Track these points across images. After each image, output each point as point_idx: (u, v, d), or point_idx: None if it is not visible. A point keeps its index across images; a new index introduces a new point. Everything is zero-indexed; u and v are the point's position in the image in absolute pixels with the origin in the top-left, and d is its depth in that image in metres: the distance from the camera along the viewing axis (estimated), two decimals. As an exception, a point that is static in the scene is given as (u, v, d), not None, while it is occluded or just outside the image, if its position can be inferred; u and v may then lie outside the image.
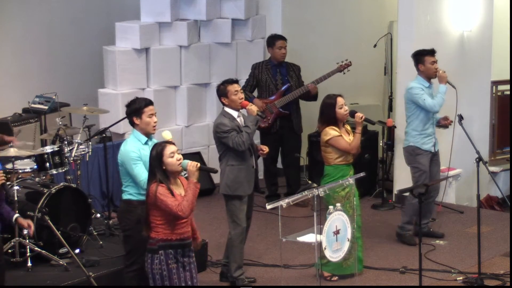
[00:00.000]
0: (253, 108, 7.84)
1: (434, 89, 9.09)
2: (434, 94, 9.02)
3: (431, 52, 9.04)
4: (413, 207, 9.08)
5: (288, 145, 10.59)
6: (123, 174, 7.09)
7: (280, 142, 10.58)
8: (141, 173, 6.90)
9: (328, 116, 8.14)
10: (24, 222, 6.82)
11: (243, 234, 7.99)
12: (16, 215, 6.84)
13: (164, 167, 6.32)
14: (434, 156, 9.16)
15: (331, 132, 8.10)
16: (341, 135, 8.10)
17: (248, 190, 7.95)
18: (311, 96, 10.39)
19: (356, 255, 7.92)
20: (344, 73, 10.43)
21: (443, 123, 9.22)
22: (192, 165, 6.34)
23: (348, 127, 8.32)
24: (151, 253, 6.39)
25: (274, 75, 10.50)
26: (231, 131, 7.73)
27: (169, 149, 6.34)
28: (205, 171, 6.57)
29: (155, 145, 6.46)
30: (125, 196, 7.09)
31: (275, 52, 10.52)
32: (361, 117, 8.14)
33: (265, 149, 8.05)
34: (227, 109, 7.87)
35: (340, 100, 8.12)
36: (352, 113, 8.18)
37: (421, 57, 9.05)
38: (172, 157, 6.32)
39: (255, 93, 10.63)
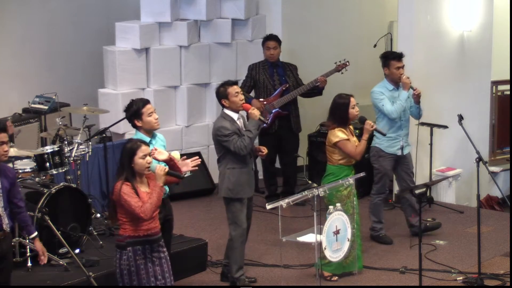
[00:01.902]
0: (255, 112, 7.79)
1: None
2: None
3: (398, 57, 8.97)
4: (377, 207, 9.12)
5: (287, 145, 10.58)
6: None
7: (279, 142, 10.57)
8: None
9: (341, 115, 8.12)
10: (40, 248, 6.68)
11: (243, 236, 7.98)
12: (36, 233, 6.72)
13: (132, 165, 6.35)
14: (401, 159, 9.11)
15: (339, 134, 8.09)
16: (348, 139, 8.09)
17: (249, 193, 7.95)
18: (317, 90, 10.34)
19: (355, 253, 7.93)
20: (342, 73, 10.43)
21: (415, 98, 9.01)
22: (160, 169, 6.41)
23: (351, 127, 8.33)
24: (120, 249, 6.48)
25: (272, 75, 10.49)
26: (232, 134, 7.70)
27: (143, 150, 6.39)
28: (173, 176, 6.59)
29: (132, 140, 6.54)
30: None
31: (264, 52, 10.54)
32: (372, 126, 8.16)
33: (264, 150, 8.04)
34: (227, 111, 7.83)
35: (353, 100, 8.14)
36: (362, 120, 8.18)
37: (386, 60, 9.01)
38: (143, 159, 6.37)
39: (252, 94, 10.62)
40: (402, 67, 8.94)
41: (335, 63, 10.41)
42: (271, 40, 10.50)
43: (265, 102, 10.38)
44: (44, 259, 6.75)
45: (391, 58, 8.97)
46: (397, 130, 9.03)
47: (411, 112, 9.16)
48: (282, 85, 10.44)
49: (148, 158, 6.40)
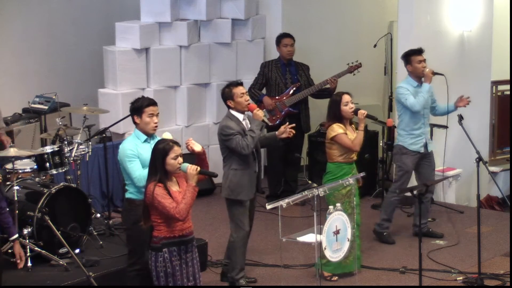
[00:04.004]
0: (260, 113, 7.78)
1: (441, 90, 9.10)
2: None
3: (418, 52, 9.04)
4: (391, 205, 9.13)
5: (294, 144, 10.58)
6: (123, 172, 7.12)
7: (287, 141, 10.57)
8: (135, 170, 6.93)
9: (334, 113, 8.16)
10: (18, 251, 6.76)
11: (245, 238, 7.97)
12: (16, 236, 6.77)
13: (165, 165, 6.36)
14: (424, 157, 9.14)
15: (336, 129, 8.12)
16: (345, 133, 8.12)
17: (250, 195, 7.92)
18: (328, 92, 10.33)
19: (355, 253, 7.93)
20: (354, 74, 10.43)
21: (461, 105, 9.14)
22: (192, 168, 6.38)
23: (353, 126, 8.34)
24: (155, 251, 6.42)
25: (284, 73, 10.50)
26: (235, 134, 7.69)
27: (175, 151, 6.39)
28: (205, 175, 6.59)
29: (163, 141, 6.50)
30: (127, 195, 7.12)
31: (282, 50, 10.52)
32: (364, 114, 8.17)
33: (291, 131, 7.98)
34: (233, 112, 7.82)
35: (345, 98, 8.15)
36: (356, 111, 8.20)
37: (408, 57, 9.07)
38: (175, 159, 6.36)
39: (263, 92, 10.63)
40: (424, 60, 9.01)
41: (348, 64, 10.42)
42: (288, 37, 10.52)
43: (277, 100, 10.40)
44: (20, 264, 6.79)
45: (411, 54, 9.05)
46: (422, 127, 9.06)
47: (442, 110, 9.22)
48: (293, 84, 10.45)
49: (180, 159, 6.39)
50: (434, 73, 8.99)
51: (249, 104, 7.83)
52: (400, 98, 8.99)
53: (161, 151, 6.39)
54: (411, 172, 9.13)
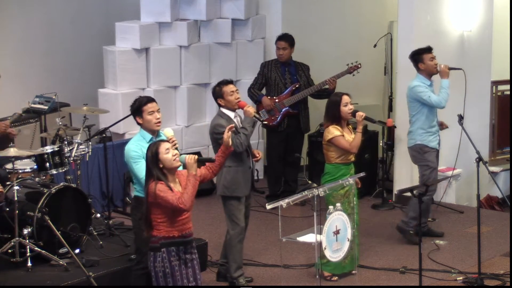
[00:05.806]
0: (250, 109, 7.82)
1: (435, 87, 9.10)
2: (437, 92, 9.03)
3: (429, 50, 9.09)
4: (427, 206, 9.08)
5: (293, 144, 10.59)
6: (131, 172, 7.15)
7: (286, 141, 10.58)
8: (141, 170, 6.93)
9: (333, 113, 8.16)
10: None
11: (242, 234, 7.98)
12: None
13: (161, 165, 6.34)
14: (438, 154, 9.18)
15: (333, 131, 8.12)
16: (342, 135, 8.12)
17: (245, 191, 7.95)
18: (327, 92, 10.32)
19: (354, 253, 7.93)
20: (353, 75, 10.43)
21: (440, 127, 9.27)
22: (189, 157, 6.38)
23: (350, 127, 8.34)
24: (154, 251, 6.41)
25: (283, 73, 10.50)
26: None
27: (164, 146, 6.36)
28: (203, 162, 6.59)
29: (150, 146, 6.47)
30: (135, 193, 7.16)
31: (275, 52, 10.55)
32: (362, 116, 8.17)
33: (259, 155, 8.06)
34: (224, 110, 7.85)
35: (345, 98, 8.16)
36: (354, 113, 8.20)
37: (419, 56, 9.08)
38: (167, 153, 6.33)
39: (263, 92, 10.63)
40: (435, 57, 9.02)
41: (347, 64, 10.42)
42: (281, 40, 10.52)
43: (276, 100, 10.40)
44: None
45: (422, 53, 9.08)
46: (435, 124, 9.09)
47: None
48: (292, 84, 10.45)
49: (173, 151, 6.36)
50: (450, 68, 9.04)
51: (239, 101, 7.85)
52: (421, 96, 8.95)
53: (151, 156, 6.35)
54: (437, 168, 9.14)
